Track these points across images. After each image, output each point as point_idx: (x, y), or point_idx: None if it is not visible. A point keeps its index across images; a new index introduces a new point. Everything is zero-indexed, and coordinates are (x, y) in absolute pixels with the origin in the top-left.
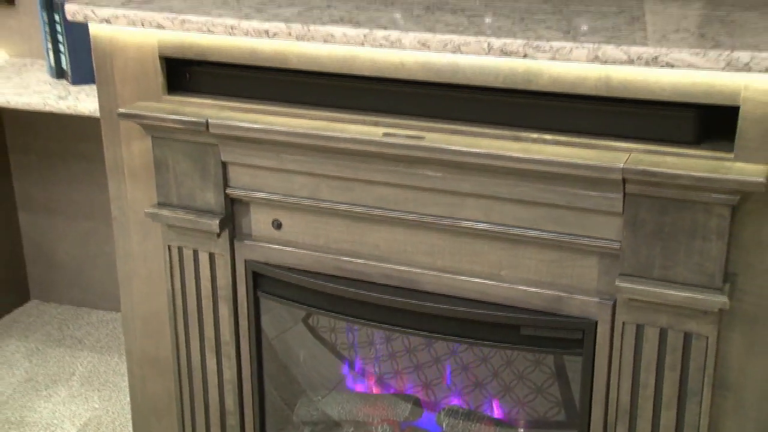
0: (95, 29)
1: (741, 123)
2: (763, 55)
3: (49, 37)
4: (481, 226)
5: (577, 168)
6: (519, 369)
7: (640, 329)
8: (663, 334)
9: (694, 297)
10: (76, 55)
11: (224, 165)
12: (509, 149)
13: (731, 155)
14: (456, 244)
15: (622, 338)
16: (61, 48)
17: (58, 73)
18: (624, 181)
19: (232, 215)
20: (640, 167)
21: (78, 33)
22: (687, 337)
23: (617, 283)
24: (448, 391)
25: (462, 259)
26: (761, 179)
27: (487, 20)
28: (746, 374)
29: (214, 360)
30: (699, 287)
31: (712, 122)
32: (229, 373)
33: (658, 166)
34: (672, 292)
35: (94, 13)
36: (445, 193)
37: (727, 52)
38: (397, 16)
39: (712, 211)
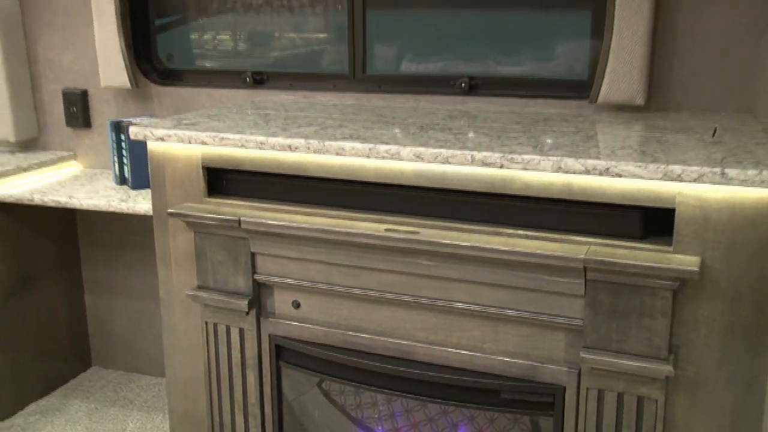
0: (152, 145)
1: (677, 222)
2: (692, 168)
3: (115, 152)
4: (466, 306)
5: (546, 258)
6: (500, 427)
7: (601, 394)
8: (620, 397)
9: (645, 366)
10: (136, 165)
11: (253, 255)
12: (490, 242)
13: (671, 248)
14: (446, 321)
15: (586, 401)
16: (125, 160)
17: (121, 180)
18: (585, 269)
19: (258, 297)
20: (598, 258)
21: (138, 148)
22: (640, 400)
23: (581, 354)
24: None
25: (451, 334)
26: (696, 269)
27: (470, 137)
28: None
29: (242, 419)
30: (648, 358)
31: (655, 221)
32: (255, 431)
33: (613, 257)
34: (626, 362)
35: (151, 133)
36: (437, 279)
37: (663, 166)
38: (397, 132)
39: (657, 295)
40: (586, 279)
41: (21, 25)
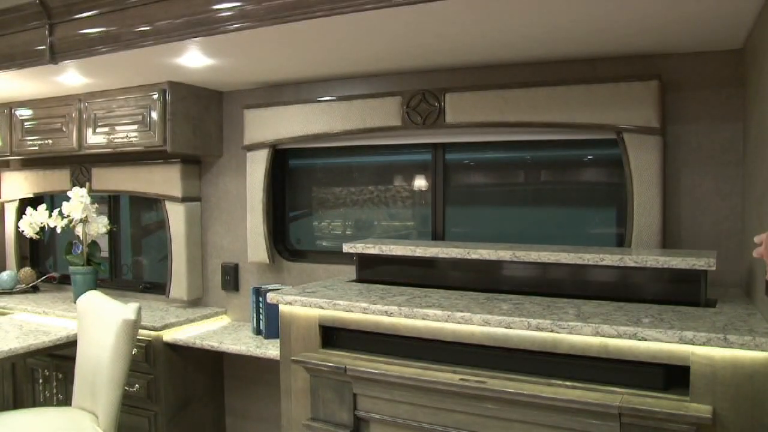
0: (282, 307)
1: (692, 377)
2: (701, 334)
3: (254, 310)
4: None
5: (588, 405)
6: None
7: None
8: None
9: None
10: (269, 321)
11: (355, 395)
12: (543, 391)
13: (688, 398)
14: None
15: None
16: (261, 317)
17: (257, 331)
18: (620, 414)
19: (358, 428)
20: (631, 405)
21: (272, 309)
22: None
23: None
24: None
25: None
26: (709, 416)
27: (527, 307)
28: None
29: None
30: None
31: (674, 375)
32: None
33: (642, 405)
34: None
35: (282, 298)
36: (500, 419)
37: (679, 332)
38: (469, 302)
39: None
40: (620, 422)
41: (200, 221)
